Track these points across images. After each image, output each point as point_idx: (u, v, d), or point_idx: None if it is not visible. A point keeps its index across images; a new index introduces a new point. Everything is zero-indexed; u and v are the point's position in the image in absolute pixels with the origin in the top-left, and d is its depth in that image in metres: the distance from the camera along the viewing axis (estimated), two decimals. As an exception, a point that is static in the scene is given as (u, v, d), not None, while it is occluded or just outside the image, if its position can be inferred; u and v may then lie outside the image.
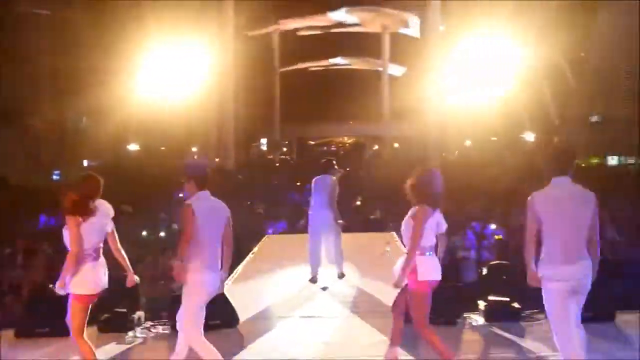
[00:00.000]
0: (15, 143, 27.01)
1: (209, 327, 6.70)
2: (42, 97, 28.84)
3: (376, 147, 56.67)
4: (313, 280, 9.27)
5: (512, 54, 29.99)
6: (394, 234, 14.21)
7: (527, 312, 7.27)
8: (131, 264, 5.53)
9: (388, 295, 8.31)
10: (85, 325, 5.15)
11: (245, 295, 8.45)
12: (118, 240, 5.36)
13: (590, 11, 36.85)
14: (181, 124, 32.57)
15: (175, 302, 7.36)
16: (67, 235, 5.11)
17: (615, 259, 10.98)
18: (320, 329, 7.10)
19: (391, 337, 5.60)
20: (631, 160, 38.23)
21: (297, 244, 12.12)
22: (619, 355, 5.95)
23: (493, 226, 14.79)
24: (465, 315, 7.22)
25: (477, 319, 7.20)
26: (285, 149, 55.54)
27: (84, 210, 5.10)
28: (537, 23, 33.15)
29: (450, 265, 10.06)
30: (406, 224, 5.32)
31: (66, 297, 5.13)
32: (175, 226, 15.13)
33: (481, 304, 7.38)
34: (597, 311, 6.72)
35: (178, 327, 5.32)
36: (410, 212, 5.33)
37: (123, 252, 5.42)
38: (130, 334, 6.99)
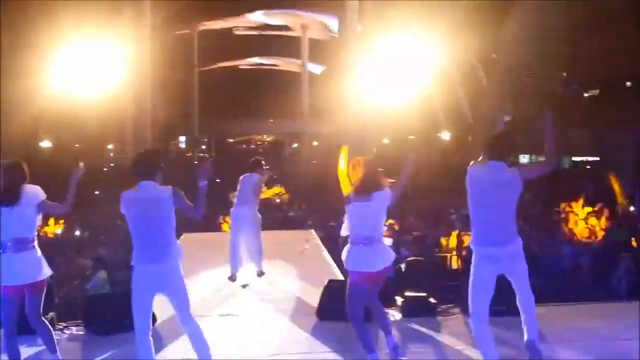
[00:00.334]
0: None
1: (125, 327, 6.59)
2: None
3: (295, 145, 56.84)
4: (232, 278, 9.21)
5: (427, 54, 30.61)
6: (313, 231, 14.31)
7: (443, 307, 7.44)
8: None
9: (307, 293, 8.37)
10: None
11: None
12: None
13: (502, 11, 37.91)
14: (96, 121, 31.75)
15: (89, 302, 7.20)
16: None
17: (527, 253, 11.39)
18: (239, 328, 7.06)
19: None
20: (541, 159, 39.67)
21: (217, 241, 12.02)
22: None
23: (412, 220, 15.08)
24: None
25: (395, 314, 7.31)
26: (204, 147, 54.99)
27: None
28: (451, 23, 33.90)
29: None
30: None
31: None
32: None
33: (398, 300, 7.49)
34: (510, 304, 6.94)
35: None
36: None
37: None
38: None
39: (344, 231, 5.41)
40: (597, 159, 30.28)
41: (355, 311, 5.37)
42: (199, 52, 48.53)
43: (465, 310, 6.25)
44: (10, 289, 5.15)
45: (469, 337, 5.51)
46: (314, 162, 42.02)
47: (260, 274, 9.47)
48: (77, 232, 14.54)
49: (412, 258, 9.53)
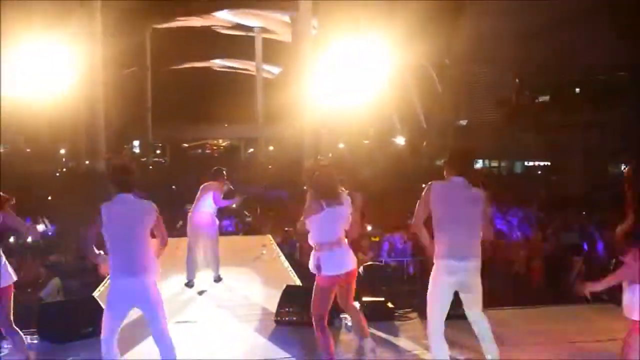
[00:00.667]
0: None
1: (81, 335, 6.48)
2: None
3: (251, 149, 56.69)
4: (189, 284, 9.15)
5: (382, 59, 30.88)
6: (270, 236, 14.28)
7: (400, 311, 7.50)
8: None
9: (265, 298, 8.36)
10: None
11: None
12: None
13: (455, 14, 38.43)
14: (47, 125, 31.25)
15: (43, 310, 7.05)
16: None
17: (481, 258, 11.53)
18: (197, 334, 7.00)
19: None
20: (494, 164, 40.31)
21: (172, 247, 11.91)
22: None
23: (369, 228, 15.13)
24: (342, 316, 7.33)
25: (353, 319, 7.33)
26: (158, 152, 54.49)
27: None
28: (406, 30, 34.22)
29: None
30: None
31: None
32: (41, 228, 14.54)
33: (356, 304, 7.52)
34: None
35: None
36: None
37: None
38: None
39: (317, 238, 5.42)
40: (548, 163, 30.89)
41: (323, 315, 5.41)
42: (151, 53, 48.08)
43: (422, 315, 6.30)
44: None
45: (427, 341, 5.57)
46: (270, 167, 41.97)
47: (218, 279, 9.43)
48: (29, 240, 14.22)
49: (369, 263, 9.58)
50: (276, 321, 7.21)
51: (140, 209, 5.00)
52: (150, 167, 43.90)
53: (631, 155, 23.59)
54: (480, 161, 41.61)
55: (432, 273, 5.16)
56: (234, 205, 9.85)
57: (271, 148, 52.43)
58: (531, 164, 36.54)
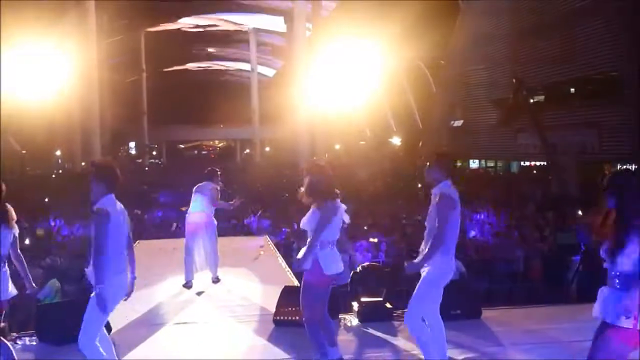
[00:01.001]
0: None
1: (76, 337, 6.45)
2: None
3: (247, 150, 56.67)
4: (187, 285, 9.14)
5: (378, 61, 30.88)
6: (267, 237, 14.28)
7: (399, 311, 7.49)
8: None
9: (264, 298, 8.34)
10: None
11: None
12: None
13: (452, 15, 38.45)
14: (43, 126, 31.15)
15: (41, 311, 7.03)
16: None
17: (480, 258, 11.55)
18: (196, 336, 6.99)
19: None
20: (491, 164, 40.33)
21: (170, 248, 11.92)
22: (485, 350, 6.24)
23: (366, 227, 15.12)
24: (340, 317, 7.33)
25: (352, 320, 7.33)
26: (154, 153, 54.46)
27: None
28: (401, 31, 34.25)
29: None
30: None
31: None
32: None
33: (355, 305, 7.53)
34: (464, 308, 7.08)
35: None
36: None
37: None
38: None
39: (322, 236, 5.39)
40: (544, 163, 30.84)
41: (317, 314, 5.41)
42: (146, 56, 48.04)
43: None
44: None
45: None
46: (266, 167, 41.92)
47: (216, 280, 9.41)
48: (27, 241, 14.19)
49: (367, 263, 9.57)
50: (275, 321, 7.19)
51: (122, 208, 5.16)
52: (147, 168, 43.82)
53: (629, 155, 23.68)
54: (477, 161, 41.63)
55: (435, 272, 5.21)
56: (231, 208, 9.84)
57: (267, 149, 52.42)
58: (527, 163, 36.49)
